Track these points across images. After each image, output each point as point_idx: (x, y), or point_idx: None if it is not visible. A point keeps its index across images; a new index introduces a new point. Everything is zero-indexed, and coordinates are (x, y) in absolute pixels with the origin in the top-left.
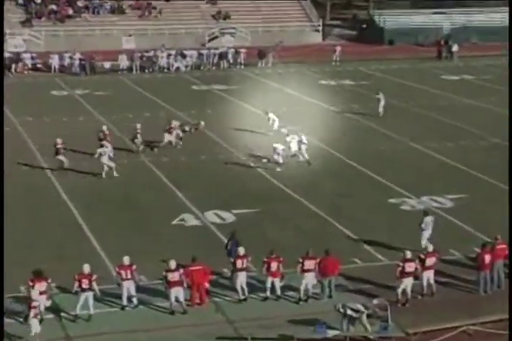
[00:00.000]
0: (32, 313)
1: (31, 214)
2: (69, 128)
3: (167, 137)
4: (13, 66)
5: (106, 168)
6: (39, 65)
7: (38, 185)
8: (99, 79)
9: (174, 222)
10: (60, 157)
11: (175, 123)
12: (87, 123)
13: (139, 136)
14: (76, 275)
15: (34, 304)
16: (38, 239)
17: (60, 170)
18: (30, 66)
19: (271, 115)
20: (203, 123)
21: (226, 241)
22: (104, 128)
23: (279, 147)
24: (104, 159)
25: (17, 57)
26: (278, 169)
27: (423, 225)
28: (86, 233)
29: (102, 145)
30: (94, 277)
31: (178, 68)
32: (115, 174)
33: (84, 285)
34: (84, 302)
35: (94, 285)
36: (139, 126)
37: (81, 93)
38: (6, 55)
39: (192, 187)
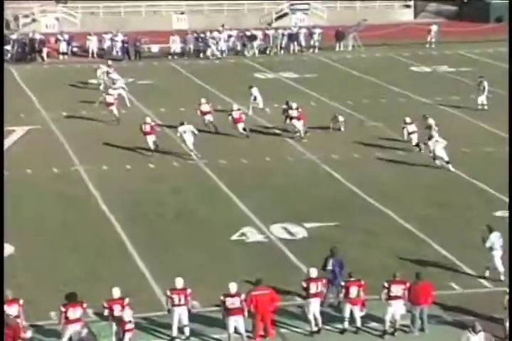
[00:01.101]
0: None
1: (65, 227)
2: (107, 124)
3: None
4: (45, 50)
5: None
6: (75, 49)
7: (73, 194)
8: (144, 65)
9: (234, 237)
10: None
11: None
12: (129, 117)
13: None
14: (105, 302)
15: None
16: (72, 257)
17: (100, 177)
18: (64, 50)
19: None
20: (341, 118)
21: (324, 259)
22: (148, 119)
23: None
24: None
25: (49, 40)
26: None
27: (488, 244)
28: (129, 250)
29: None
30: (127, 301)
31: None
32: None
33: (117, 312)
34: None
35: (128, 311)
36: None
37: (123, 82)
38: (36, 36)
39: (255, 195)
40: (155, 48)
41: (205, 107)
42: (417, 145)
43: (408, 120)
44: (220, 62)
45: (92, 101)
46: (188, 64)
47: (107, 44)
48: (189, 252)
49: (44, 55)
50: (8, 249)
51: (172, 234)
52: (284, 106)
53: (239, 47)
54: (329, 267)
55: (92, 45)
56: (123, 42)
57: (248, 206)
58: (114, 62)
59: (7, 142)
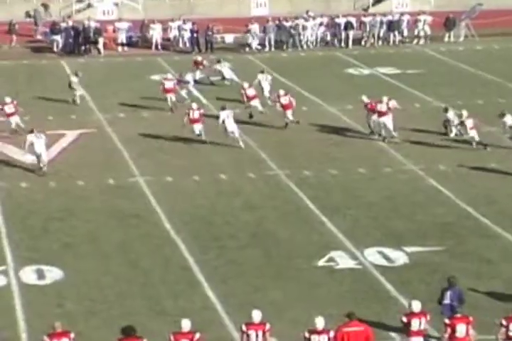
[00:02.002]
0: None
1: (122, 249)
2: (173, 128)
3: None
4: (101, 40)
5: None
6: (135, 39)
7: (132, 209)
8: (217, 58)
9: (320, 263)
10: None
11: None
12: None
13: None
14: (172, 336)
15: None
16: (131, 284)
17: (164, 191)
18: (123, 40)
19: (450, 114)
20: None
21: (441, 291)
22: (195, 105)
23: None
24: None
25: (106, 28)
26: None
27: None
28: (197, 277)
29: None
30: (197, 336)
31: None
32: None
33: None
34: None
35: None
36: None
37: (195, 78)
38: (92, 24)
39: (346, 213)
40: (229, 38)
41: (285, 99)
42: (482, 143)
43: (466, 113)
44: (307, 56)
45: (154, 99)
46: (268, 57)
47: (173, 33)
48: (267, 280)
49: (100, 46)
50: (56, 274)
51: (247, 259)
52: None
53: (328, 38)
54: (446, 301)
55: (156, 34)
56: (192, 31)
57: (338, 226)
58: (181, 54)
59: (55, 148)
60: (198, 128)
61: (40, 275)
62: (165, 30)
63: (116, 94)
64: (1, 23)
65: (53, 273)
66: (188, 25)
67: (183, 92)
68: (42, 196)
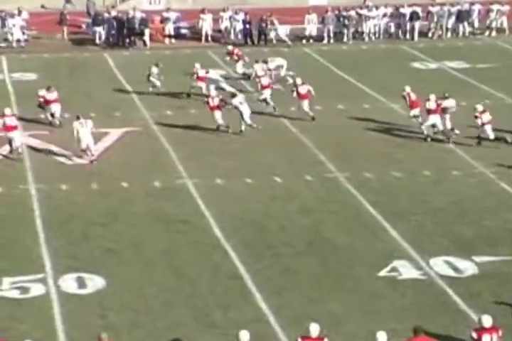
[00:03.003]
0: None
1: (167, 256)
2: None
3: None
4: (147, 32)
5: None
6: (184, 31)
7: (179, 214)
8: (271, 51)
9: (382, 273)
10: None
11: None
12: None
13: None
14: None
15: None
16: (178, 294)
17: (214, 194)
18: (171, 32)
19: None
20: None
21: None
22: (214, 92)
23: None
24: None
25: (153, 19)
26: None
27: None
28: (248, 287)
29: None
30: None
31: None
32: None
33: None
34: None
35: None
36: None
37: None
38: (137, 15)
39: (410, 219)
40: (285, 30)
41: (303, 89)
42: (498, 139)
43: (480, 108)
44: (368, 48)
45: (203, 95)
46: (327, 50)
47: (224, 24)
48: (324, 291)
49: (146, 38)
50: (97, 282)
51: (302, 268)
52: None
53: (392, 29)
54: None
55: (206, 25)
56: (244, 22)
57: (402, 233)
58: (234, 47)
59: (98, 147)
60: (218, 115)
61: (81, 283)
62: (215, 20)
63: (163, 90)
64: (50, 12)
65: (95, 282)
66: (241, 16)
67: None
68: (83, 199)
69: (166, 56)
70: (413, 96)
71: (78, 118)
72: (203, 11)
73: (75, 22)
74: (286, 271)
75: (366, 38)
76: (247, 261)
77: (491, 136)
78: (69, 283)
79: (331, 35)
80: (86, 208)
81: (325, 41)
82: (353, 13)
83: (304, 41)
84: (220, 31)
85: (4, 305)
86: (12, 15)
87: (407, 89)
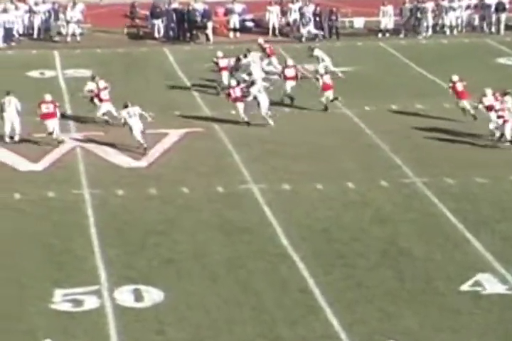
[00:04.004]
0: None
1: (231, 266)
2: (292, 126)
3: None
4: (210, 25)
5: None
6: (250, 24)
7: (243, 221)
8: (344, 45)
9: (464, 288)
10: None
11: None
12: (321, 120)
13: None
14: None
15: None
16: (242, 307)
17: (281, 200)
18: (236, 25)
19: None
20: None
21: None
22: (234, 82)
23: None
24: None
25: (216, 11)
26: None
27: None
28: (318, 301)
29: None
30: None
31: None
32: None
33: None
34: None
35: None
36: None
37: (315, 68)
38: (199, 7)
39: (496, 229)
40: (359, 22)
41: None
42: None
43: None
44: (449, 43)
45: (271, 94)
46: (405, 45)
47: (293, 17)
48: (400, 306)
49: (209, 31)
50: (155, 295)
51: (376, 281)
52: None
53: (476, 22)
54: None
55: (273, 18)
56: (314, 14)
57: (485, 244)
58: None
59: (157, 150)
60: (241, 107)
61: (138, 296)
62: (284, 13)
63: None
64: (117, 3)
65: (153, 295)
66: (311, 8)
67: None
68: (140, 205)
69: (231, 51)
70: (460, 87)
71: (126, 106)
72: (270, 3)
73: (121, 13)
74: (358, 284)
75: (447, 32)
76: (316, 273)
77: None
78: (125, 295)
79: (407, 28)
80: (144, 215)
81: (402, 35)
82: (429, 4)
83: (379, 35)
84: (288, 24)
85: (56, 318)
86: (65, 8)
87: (455, 78)
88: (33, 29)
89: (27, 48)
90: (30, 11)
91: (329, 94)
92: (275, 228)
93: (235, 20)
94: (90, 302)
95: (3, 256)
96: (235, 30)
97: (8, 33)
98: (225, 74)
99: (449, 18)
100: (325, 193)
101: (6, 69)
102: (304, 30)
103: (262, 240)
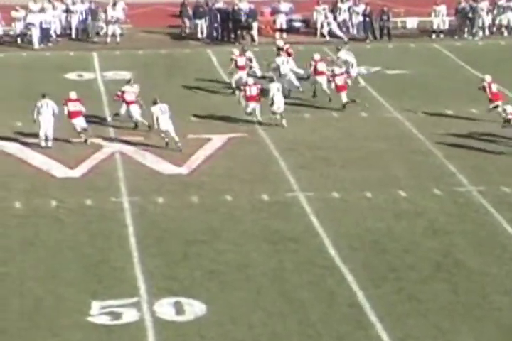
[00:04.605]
0: None
1: (275, 278)
2: (342, 131)
3: None
4: (255, 25)
5: None
6: (297, 24)
7: (288, 230)
8: (396, 47)
9: None
10: None
11: None
12: (371, 124)
13: None
14: None
15: None
16: (288, 320)
17: (330, 209)
18: (283, 25)
19: None
20: None
21: None
22: (251, 81)
23: None
24: None
25: (262, 11)
26: None
27: None
28: (367, 315)
29: None
30: None
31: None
32: None
33: None
34: None
35: None
36: None
37: (361, 72)
38: (244, 6)
39: None
40: (412, 23)
41: (340, 80)
42: None
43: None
44: (508, 44)
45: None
46: (459, 46)
47: (342, 17)
48: (455, 321)
49: (254, 32)
50: (197, 308)
51: (430, 294)
52: None
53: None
54: None
55: (321, 18)
56: (364, 15)
57: None
58: (352, 42)
59: (199, 156)
60: (252, 106)
61: (179, 309)
62: (334, 12)
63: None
64: (159, 3)
65: (194, 308)
66: (361, 8)
67: None
68: (182, 214)
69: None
70: (494, 88)
71: (156, 102)
72: (318, 2)
73: (162, 13)
74: (410, 298)
75: (505, 33)
76: (366, 285)
77: None
78: (165, 308)
79: (463, 28)
80: (185, 224)
81: (456, 36)
82: (484, 4)
83: (433, 36)
84: (338, 25)
85: (93, 332)
86: (104, 7)
87: (488, 78)
88: (70, 29)
89: (64, 49)
90: (68, 11)
91: (342, 95)
92: (323, 238)
93: (281, 20)
94: (129, 315)
95: (39, 266)
96: (281, 30)
97: (46, 34)
98: (241, 74)
99: (507, 19)
100: (375, 202)
101: (42, 71)
102: (324, 31)
103: (308, 251)
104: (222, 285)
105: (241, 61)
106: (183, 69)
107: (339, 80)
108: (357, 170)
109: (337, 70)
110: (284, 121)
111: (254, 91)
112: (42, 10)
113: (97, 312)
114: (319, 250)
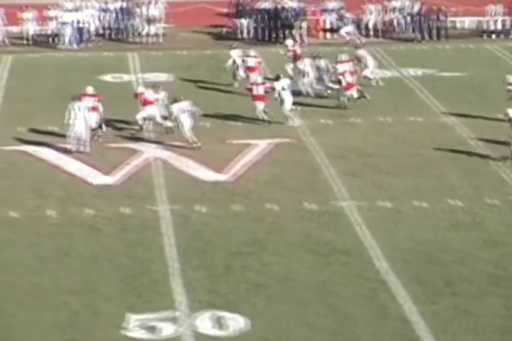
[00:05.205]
0: None
1: (326, 295)
2: (393, 137)
3: None
4: (303, 25)
5: None
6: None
7: (338, 242)
8: (452, 48)
9: None
10: None
11: None
12: (425, 130)
13: None
14: None
15: None
16: (337, 340)
17: (380, 219)
18: (333, 25)
19: None
20: None
21: None
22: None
23: None
24: None
25: (310, 10)
26: None
27: None
28: (421, 333)
29: None
30: None
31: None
32: None
33: None
34: None
35: None
36: None
37: (416, 74)
38: (291, 4)
39: None
40: (468, 22)
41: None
42: None
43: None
44: None
45: (367, 101)
46: None
47: (390, 16)
48: None
49: (302, 32)
50: (240, 323)
51: (485, 310)
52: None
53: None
54: None
55: (371, 17)
56: (419, 14)
57: None
58: (400, 43)
59: (242, 162)
60: (261, 106)
61: (221, 324)
62: (378, 10)
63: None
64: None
65: (237, 322)
66: (416, 6)
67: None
68: (225, 224)
69: (326, 53)
70: None
71: (176, 101)
72: (369, 0)
73: (205, 12)
74: (467, 313)
75: None
76: (419, 300)
77: None
78: (207, 323)
79: None
80: (229, 235)
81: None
82: None
83: (493, 36)
84: (384, 24)
85: None
86: (139, 5)
87: (511, 79)
88: (106, 29)
89: (100, 50)
90: (103, 9)
91: (353, 92)
92: (374, 250)
93: (331, 20)
94: (168, 330)
95: (74, 277)
96: (331, 30)
97: (80, 34)
98: (253, 75)
99: None
100: (430, 212)
101: (77, 73)
102: (342, 32)
103: (358, 263)
104: (267, 300)
105: (251, 62)
106: (226, 71)
107: (349, 77)
108: (410, 178)
109: (347, 67)
110: (290, 121)
111: (261, 90)
112: (76, 9)
113: (134, 326)
114: (370, 263)
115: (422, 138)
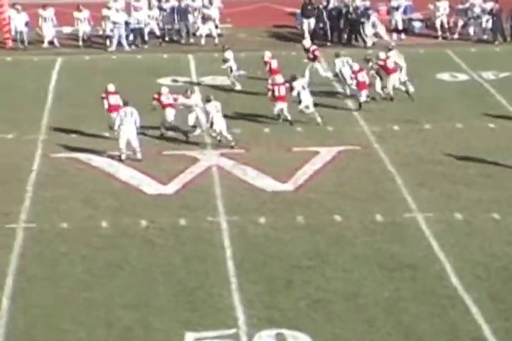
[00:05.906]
0: None
1: (394, 312)
2: (460, 143)
3: None
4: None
5: None
6: (417, 24)
7: (406, 256)
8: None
9: None
10: None
11: None
12: (499, 137)
13: None
14: None
15: None
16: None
17: (451, 231)
18: (399, 26)
19: None
20: None
21: None
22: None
23: None
24: None
25: (378, 9)
26: None
27: None
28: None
29: None
30: None
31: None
32: None
33: None
34: None
35: None
36: None
37: (489, 77)
38: (359, 3)
39: None
40: None
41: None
42: None
43: None
44: None
45: (439, 108)
46: None
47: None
48: None
49: (369, 33)
50: (300, 340)
51: None
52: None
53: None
54: None
55: (441, 16)
56: (492, 13)
57: None
58: (479, 45)
59: (305, 171)
60: (280, 106)
61: None
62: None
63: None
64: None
65: (297, 340)
66: (489, 5)
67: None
68: (286, 235)
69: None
70: None
71: (209, 100)
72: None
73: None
74: None
75: None
76: (493, 318)
77: None
78: (266, 340)
79: None
80: (290, 247)
81: None
82: None
83: None
84: (456, 25)
85: None
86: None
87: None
88: (161, 30)
89: (157, 52)
90: (160, 9)
91: (363, 94)
92: (444, 265)
93: (398, 20)
94: None
95: (127, 292)
96: (398, 31)
97: (137, 35)
98: (277, 77)
99: None
100: (503, 224)
101: (133, 76)
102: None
103: (427, 278)
104: (329, 316)
105: (275, 63)
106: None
107: (361, 76)
108: (483, 188)
109: (355, 66)
110: (318, 119)
111: (282, 91)
112: (134, 8)
113: None
114: (440, 278)
115: (495, 145)
